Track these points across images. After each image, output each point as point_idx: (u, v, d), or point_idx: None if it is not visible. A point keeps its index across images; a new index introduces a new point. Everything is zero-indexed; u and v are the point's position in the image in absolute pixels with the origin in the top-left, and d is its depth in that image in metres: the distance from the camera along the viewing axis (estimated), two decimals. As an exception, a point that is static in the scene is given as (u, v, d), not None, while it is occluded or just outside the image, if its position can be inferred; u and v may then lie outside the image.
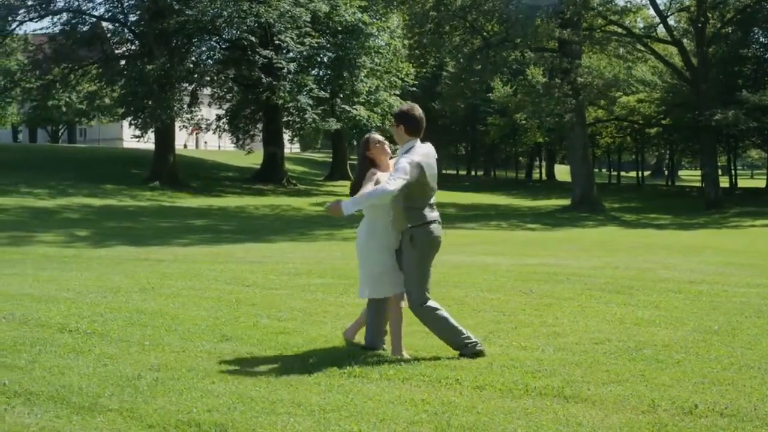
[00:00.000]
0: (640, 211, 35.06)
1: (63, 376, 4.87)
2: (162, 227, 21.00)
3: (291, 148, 60.33)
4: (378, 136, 5.78)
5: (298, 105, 33.63)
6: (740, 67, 42.24)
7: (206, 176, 39.17)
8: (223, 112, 40.48)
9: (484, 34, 35.77)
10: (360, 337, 5.87)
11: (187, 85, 36.46)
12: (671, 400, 4.36)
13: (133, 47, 36.92)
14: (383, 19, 37.51)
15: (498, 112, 45.58)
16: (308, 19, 32.78)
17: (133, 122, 34.88)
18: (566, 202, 35.82)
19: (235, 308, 7.40)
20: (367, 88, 36.15)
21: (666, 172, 69.08)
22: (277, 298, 8.07)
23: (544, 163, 68.88)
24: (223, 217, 25.40)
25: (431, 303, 5.46)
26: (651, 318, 6.90)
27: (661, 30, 39.34)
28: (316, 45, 33.65)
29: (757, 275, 10.11)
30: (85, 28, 36.13)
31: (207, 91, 39.04)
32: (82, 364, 5.19)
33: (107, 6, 36.13)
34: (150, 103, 33.14)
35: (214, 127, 40.53)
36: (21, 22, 35.87)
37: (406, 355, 5.43)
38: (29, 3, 34.53)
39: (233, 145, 45.05)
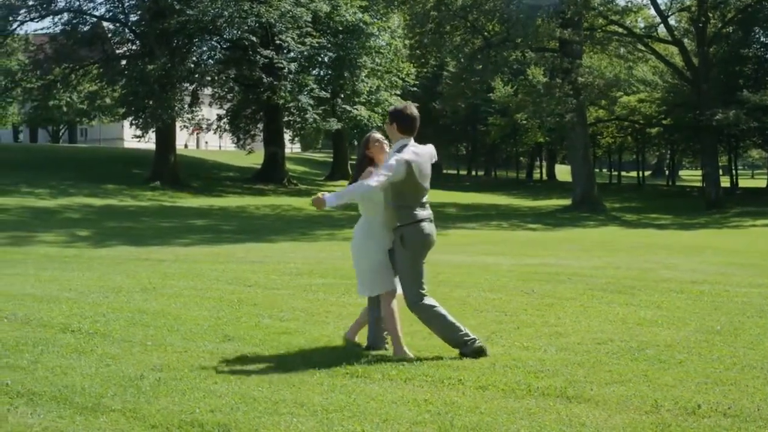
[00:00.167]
0: (640, 211, 35.06)
1: (66, 377, 4.87)
2: (163, 227, 21.00)
3: (292, 148, 60.32)
4: (378, 135, 5.82)
5: (299, 105, 33.63)
6: (741, 67, 42.19)
7: (207, 176, 39.18)
8: (224, 112, 40.48)
9: (485, 33, 35.76)
10: (361, 338, 5.88)
11: (188, 85, 36.45)
12: (674, 400, 4.36)
13: (134, 47, 36.93)
14: (384, 19, 37.50)
15: (499, 112, 45.55)
16: (309, 19, 32.79)
17: (134, 122, 34.88)
18: (567, 202, 35.83)
19: (237, 308, 7.41)
20: (368, 88, 36.15)
21: (667, 172, 69.06)
22: (278, 298, 8.07)
23: (544, 163, 68.87)
24: (224, 217, 25.40)
25: (427, 301, 5.46)
26: (653, 318, 6.90)
27: (661, 30, 39.34)
28: (316, 45, 33.65)
29: (758, 275, 10.11)
30: (86, 28, 36.11)
31: (208, 91, 39.04)
32: (85, 365, 5.19)
33: (108, 6, 36.14)
34: (151, 103, 33.15)
35: (214, 127, 40.54)
36: (22, 22, 35.86)
37: (410, 353, 5.43)
38: (30, 3, 34.52)
39: (234, 145, 45.05)
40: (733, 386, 4.64)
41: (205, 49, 37.45)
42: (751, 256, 13.71)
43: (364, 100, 36.22)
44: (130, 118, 35.16)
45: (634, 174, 65.55)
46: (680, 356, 5.41)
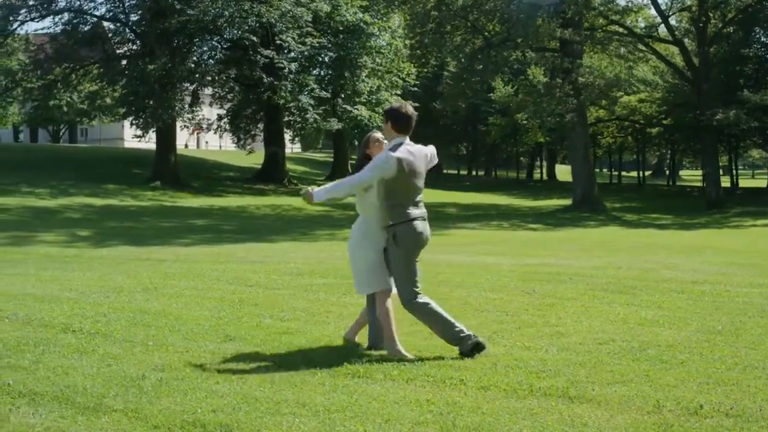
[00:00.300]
0: (641, 211, 35.07)
1: (67, 377, 4.87)
2: (163, 227, 21.01)
3: (292, 148, 60.32)
4: (378, 135, 5.85)
5: (300, 105, 33.64)
6: (741, 67, 42.20)
7: (207, 176, 39.19)
8: (225, 111, 40.50)
9: (486, 33, 35.77)
10: (362, 338, 5.88)
11: (188, 84, 36.46)
12: (676, 400, 4.35)
13: (134, 47, 36.94)
14: (384, 18, 37.51)
15: (499, 111, 45.56)
16: (309, 19, 32.79)
17: (134, 122, 34.90)
18: (567, 202, 35.83)
19: (238, 308, 7.41)
20: (368, 88, 36.15)
21: (667, 172, 69.08)
22: (279, 298, 8.07)
23: (545, 163, 68.88)
24: (225, 217, 25.41)
25: (421, 299, 5.46)
26: (654, 318, 6.90)
27: (662, 30, 39.35)
28: (317, 45, 33.66)
29: (759, 275, 10.11)
30: (87, 28, 36.14)
31: (208, 90, 39.06)
32: (86, 365, 5.19)
33: (108, 6, 36.15)
34: (151, 102, 33.16)
35: (215, 126, 40.55)
36: (22, 22, 35.87)
37: (404, 352, 5.42)
38: (30, 3, 34.53)
39: (234, 145, 45.06)
40: (735, 386, 4.64)
41: (205, 48, 37.50)
42: (752, 256, 13.70)
43: (364, 100, 36.22)
44: (131, 118, 35.18)
45: (634, 174, 65.57)
46: (682, 356, 5.41)
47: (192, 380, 4.80)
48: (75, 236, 17.76)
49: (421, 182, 5.56)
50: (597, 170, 52.16)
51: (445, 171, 60.94)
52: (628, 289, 8.73)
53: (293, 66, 33.32)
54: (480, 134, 59.38)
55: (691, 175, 76.27)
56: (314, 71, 36.66)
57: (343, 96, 36.65)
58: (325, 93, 35.00)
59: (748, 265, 11.61)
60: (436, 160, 5.82)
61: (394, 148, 5.45)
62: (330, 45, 35.17)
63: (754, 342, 5.90)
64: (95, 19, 36.65)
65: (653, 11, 38.27)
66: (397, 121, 5.51)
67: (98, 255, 13.30)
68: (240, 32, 32.39)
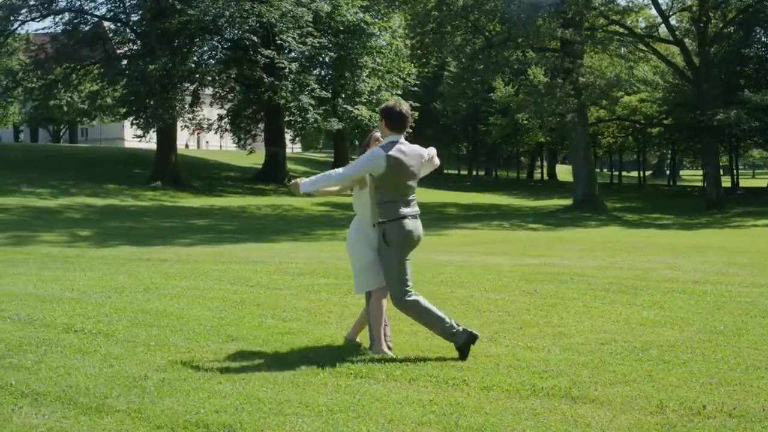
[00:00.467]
0: (641, 211, 35.07)
1: (69, 377, 4.87)
2: (164, 227, 21.01)
3: (293, 147, 60.32)
4: (379, 134, 5.84)
5: (300, 105, 33.65)
6: (742, 67, 42.20)
7: (208, 176, 39.20)
8: (225, 111, 40.50)
9: (486, 33, 35.77)
10: (363, 338, 5.88)
11: (188, 84, 36.47)
12: (679, 400, 4.35)
13: (135, 47, 36.94)
14: (385, 18, 37.50)
15: (500, 111, 45.56)
16: (310, 19, 32.80)
17: (134, 122, 34.91)
18: (568, 202, 35.83)
19: (240, 308, 7.41)
20: (368, 88, 36.14)
21: (667, 172, 69.10)
22: (281, 298, 8.07)
23: (545, 163, 68.90)
24: (225, 217, 25.41)
25: (412, 296, 5.46)
26: (656, 318, 6.90)
27: (662, 30, 39.35)
28: (317, 45, 33.65)
29: (760, 275, 10.11)
30: (87, 28, 36.15)
31: (209, 90, 39.05)
32: (89, 365, 5.19)
33: (109, 6, 36.17)
34: (152, 102, 33.17)
35: (215, 126, 40.56)
36: (23, 22, 35.89)
37: (387, 351, 5.45)
38: (31, 3, 34.54)
39: (235, 144, 45.07)
40: (738, 386, 4.64)
41: (206, 48, 37.50)
42: (753, 256, 13.69)
43: (365, 100, 36.21)
44: (131, 118, 35.19)
45: (635, 174, 65.58)
46: (684, 356, 5.41)
47: (194, 380, 4.80)
48: (76, 236, 17.76)
49: (413, 181, 5.55)
50: (597, 170, 52.07)
51: (445, 171, 60.89)
52: (630, 289, 8.73)
53: (294, 66, 33.32)
54: (480, 134, 59.37)
55: (692, 175, 76.27)
56: (315, 71, 36.66)
57: (343, 96, 36.65)
58: (325, 93, 35.01)
59: (750, 265, 11.61)
60: (437, 163, 5.81)
61: (386, 146, 5.45)
62: (330, 45, 35.16)
63: (757, 342, 5.90)
64: (96, 19, 36.68)
65: (654, 11, 38.34)
66: (390, 119, 5.50)
67: (99, 255, 13.30)
68: (240, 32, 32.39)
